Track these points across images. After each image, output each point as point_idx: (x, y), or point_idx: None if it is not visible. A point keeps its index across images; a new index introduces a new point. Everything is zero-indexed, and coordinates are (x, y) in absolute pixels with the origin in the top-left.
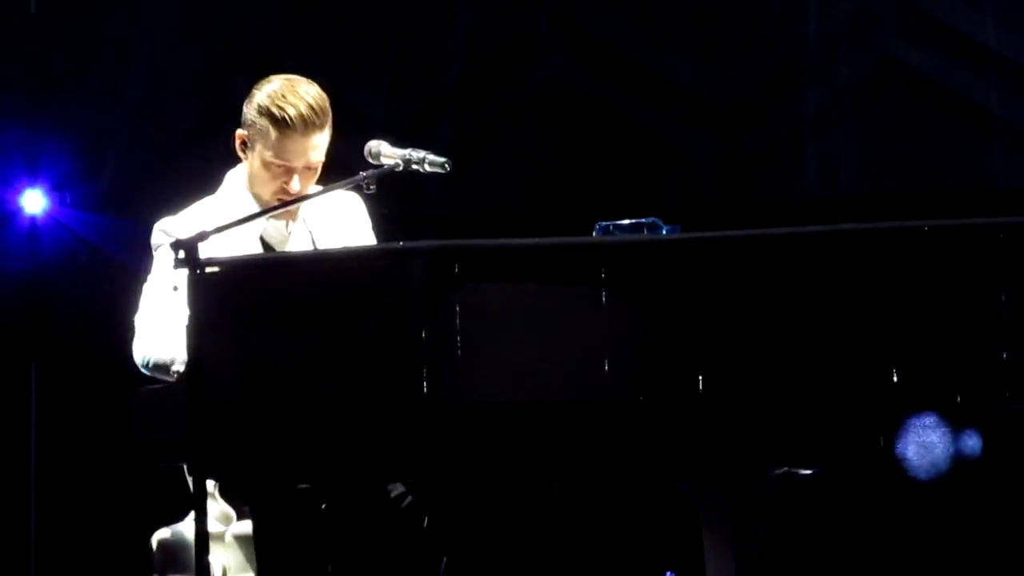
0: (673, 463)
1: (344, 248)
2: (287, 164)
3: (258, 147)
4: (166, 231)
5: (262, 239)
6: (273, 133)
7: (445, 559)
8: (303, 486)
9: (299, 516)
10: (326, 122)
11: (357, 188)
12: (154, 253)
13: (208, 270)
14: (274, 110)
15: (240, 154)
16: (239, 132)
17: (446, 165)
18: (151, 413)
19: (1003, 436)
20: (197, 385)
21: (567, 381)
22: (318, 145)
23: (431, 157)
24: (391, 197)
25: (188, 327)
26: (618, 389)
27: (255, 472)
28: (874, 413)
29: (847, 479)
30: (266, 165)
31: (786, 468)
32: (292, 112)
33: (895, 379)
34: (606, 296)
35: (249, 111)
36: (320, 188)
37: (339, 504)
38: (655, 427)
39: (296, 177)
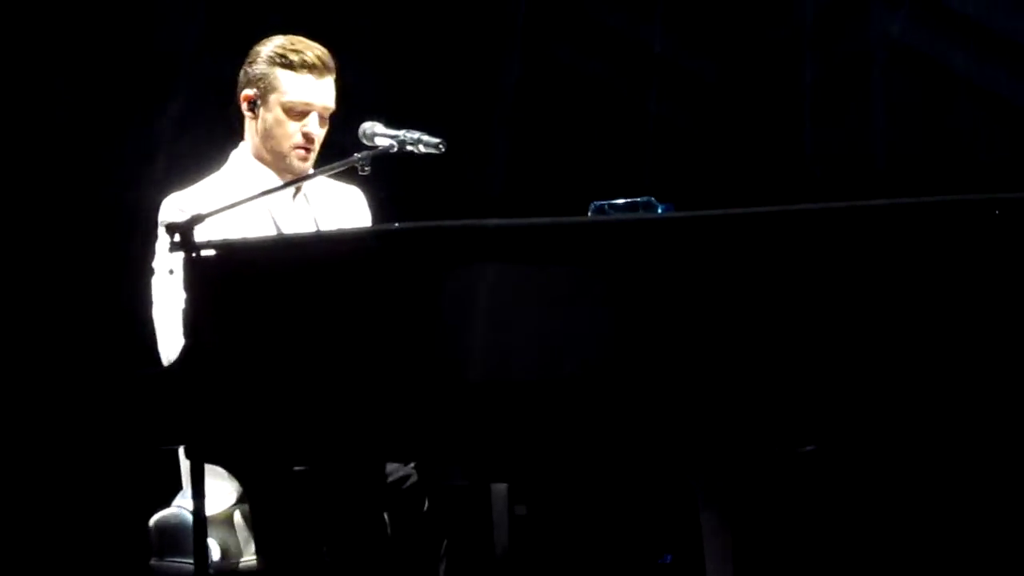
0: (671, 446)
1: (341, 229)
2: (308, 104)
3: (272, 98)
4: (176, 206)
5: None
6: (290, 76)
7: (446, 542)
8: (299, 468)
9: (296, 498)
10: (335, 70)
11: (352, 170)
12: (159, 230)
13: (204, 253)
14: (290, 55)
15: (248, 115)
16: (245, 93)
17: (440, 146)
18: (149, 396)
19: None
20: (193, 368)
21: (564, 361)
22: (332, 90)
23: (426, 138)
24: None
25: (184, 310)
26: (614, 369)
27: (251, 454)
28: (870, 390)
29: (844, 460)
30: (286, 110)
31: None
32: (309, 55)
33: (890, 358)
34: (602, 276)
35: (255, 67)
36: (315, 171)
37: (336, 486)
38: (652, 409)
39: (316, 119)
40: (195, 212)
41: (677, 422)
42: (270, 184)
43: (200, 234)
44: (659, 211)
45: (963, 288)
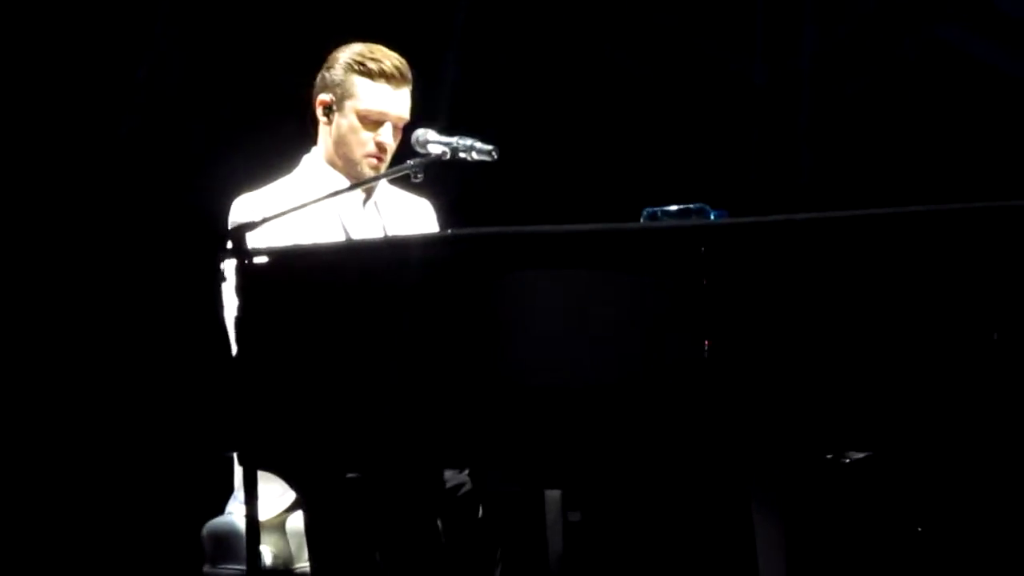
0: (726, 450)
1: (394, 236)
2: (383, 114)
3: (348, 104)
4: (247, 207)
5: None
6: (368, 84)
7: (500, 549)
8: (353, 475)
9: (349, 504)
10: (411, 81)
11: (405, 177)
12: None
13: (256, 260)
14: (368, 63)
15: (323, 119)
16: (320, 98)
17: (493, 153)
18: (205, 402)
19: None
20: (246, 375)
21: (619, 366)
22: (408, 101)
23: (479, 145)
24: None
25: (236, 317)
26: (669, 375)
27: (305, 461)
28: (924, 398)
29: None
30: (361, 118)
31: (835, 453)
32: (387, 64)
33: (942, 363)
34: (654, 281)
35: (333, 73)
36: (369, 177)
37: (390, 492)
38: (708, 413)
39: (390, 129)
40: (265, 214)
41: (732, 426)
42: (344, 187)
43: (255, 240)
44: (711, 217)
45: (996, 296)
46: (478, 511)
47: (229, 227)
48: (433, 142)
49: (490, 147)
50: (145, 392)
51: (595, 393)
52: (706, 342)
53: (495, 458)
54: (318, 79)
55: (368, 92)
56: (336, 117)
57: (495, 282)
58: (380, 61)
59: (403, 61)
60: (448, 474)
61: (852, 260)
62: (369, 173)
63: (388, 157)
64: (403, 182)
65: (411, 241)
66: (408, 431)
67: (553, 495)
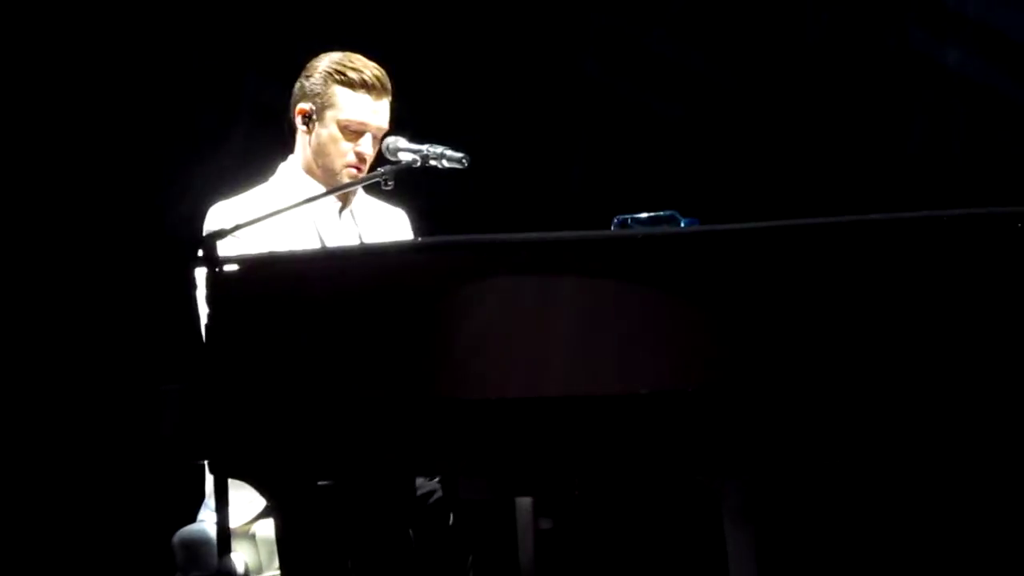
0: (695, 456)
1: (362, 244)
2: (364, 124)
3: (328, 114)
4: (222, 215)
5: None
6: (348, 94)
7: (471, 557)
8: (324, 483)
9: (320, 513)
10: (391, 92)
11: (376, 185)
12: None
13: (226, 268)
14: (349, 73)
15: (301, 128)
16: (300, 107)
17: (463, 161)
18: (175, 410)
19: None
20: (216, 382)
21: (589, 375)
22: (387, 111)
23: (449, 153)
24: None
25: (206, 325)
26: (639, 382)
27: (276, 469)
28: (899, 410)
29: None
30: (341, 128)
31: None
32: (367, 73)
33: (916, 377)
34: (625, 290)
35: (311, 82)
36: (341, 185)
37: (361, 501)
38: (676, 420)
39: (370, 139)
40: (240, 221)
41: (703, 434)
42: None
43: (228, 248)
44: (682, 224)
45: (987, 301)
46: (449, 519)
47: (203, 234)
48: (404, 149)
49: (460, 155)
50: (117, 399)
51: (566, 401)
52: (676, 352)
53: (466, 466)
54: (296, 88)
55: (349, 102)
56: (316, 126)
57: (466, 290)
58: (360, 71)
59: (383, 71)
60: (419, 481)
61: (829, 267)
62: (346, 179)
63: (366, 167)
64: (375, 190)
65: (381, 249)
66: (379, 439)
67: (524, 502)
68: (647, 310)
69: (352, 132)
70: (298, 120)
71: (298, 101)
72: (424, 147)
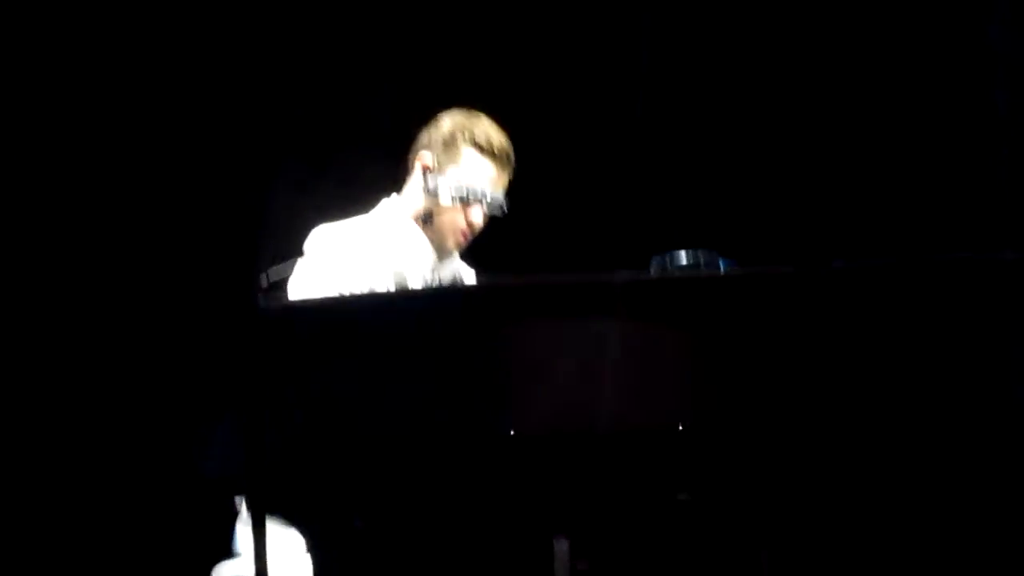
0: (734, 498)
1: (404, 290)
2: (485, 194)
3: (454, 169)
4: (326, 238)
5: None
6: (477, 158)
7: None
8: (361, 523)
9: (357, 552)
10: (514, 167)
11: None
12: (305, 260)
13: (276, 309)
14: (480, 139)
15: (413, 173)
16: (423, 154)
17: (503, 208)
18: (220, 445)
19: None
20: (257, 420)
21: (623, 414)
22: (505, 186)
23: (488, 197)
24: None
25: (249, 364)
26: (674, 421)
27: (316, 508)
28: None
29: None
30: (465, 194)
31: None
32: (499, 143)
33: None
34: (660, 330)
35: (441, 134)
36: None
37: (396, 539)
38: (714, 461)
39: (482, 213)
40: (343, 249)
41: (742, 477)
42: (422, 249)
43: (295, 282)
44: (721, 265)
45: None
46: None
47: (304, 254)
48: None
49: (500, 202)
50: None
51: (603, 441)
52: (713, 391)
53: (502, 506)
54: (423, 135)
55: (474, 166)
56: (433, 180)
57: (505, 332)
58: (492, 138)
59: (511, 144)
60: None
61: (855, 311)
62: (451, 247)
63: (471, 238)
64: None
65: (426, 293)
66: (418, 479)
67: (561, 544)
68: (686, 351)
69: (471, 199)
70: (417, 167)
71: (422, 148)
72: (465, 189)
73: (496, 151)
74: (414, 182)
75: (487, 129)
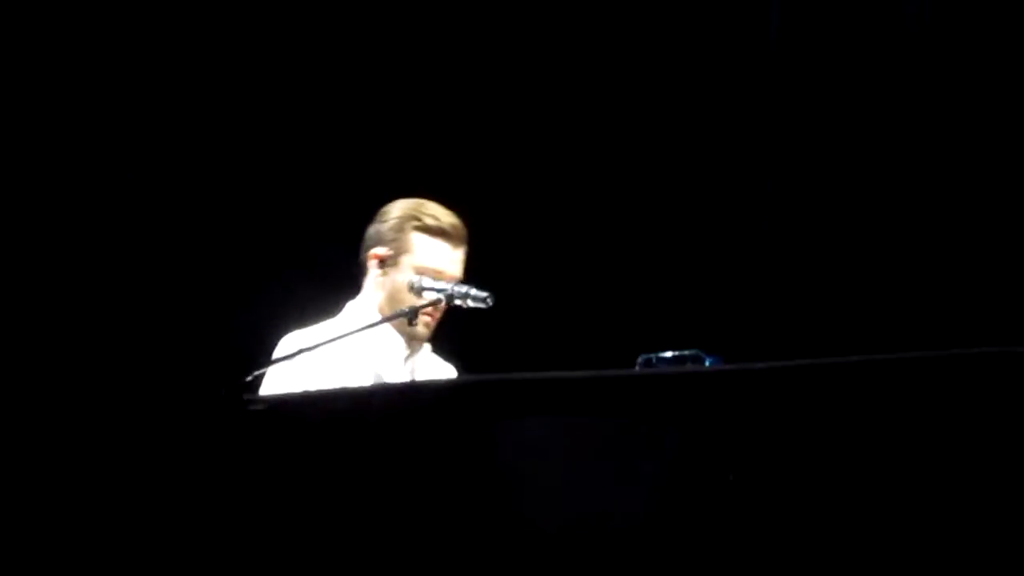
0: None
1: (388, 384)
2: (441, 273)
3: (404, 260)
4: (295, 344)
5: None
6: (428, 241)
7: None
8: None
9: None
10: (467, 241)
11: (409, 322)
12: (272, 366)
13: (251, 408)
14: (427, 220)
15: (376, 272)
16: (375, 251)
17: (488, 300)
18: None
19: None
20: (237, 519)
21: (622, 513)
22: (462, 259)
23: (474, 292)
24: None
25: (234, 463)
26: (663, 520)
27: None
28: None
29: None
30: (418, 274)
31: None
32: (447, 221)
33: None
34: (647, 427)
35: (388, 227)
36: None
37: None
38: (712, 556)
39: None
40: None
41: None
42: (392, 340)
43: (283, 377)
44: (707, 364)
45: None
46: None
47: (272, 358)
48: (428, 288)
49: (485, 294)
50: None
51: (597, 540)
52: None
53: None
54: (371, 231)
55: (427, 249)
56: (391, 272)
57: (495, 429)
58: (439, 219)
59: (460, 220)
60: None
61: (849, 406)
62: (422, 332)
63: (439, 317)
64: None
65: (408, 389)
66: None
67: None
68: (678, 448)
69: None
70: (372, 264)
71: (373, 245)
72: (449, 286)
73: (446, 230)
74: (371, 279)
75: (433, 211)
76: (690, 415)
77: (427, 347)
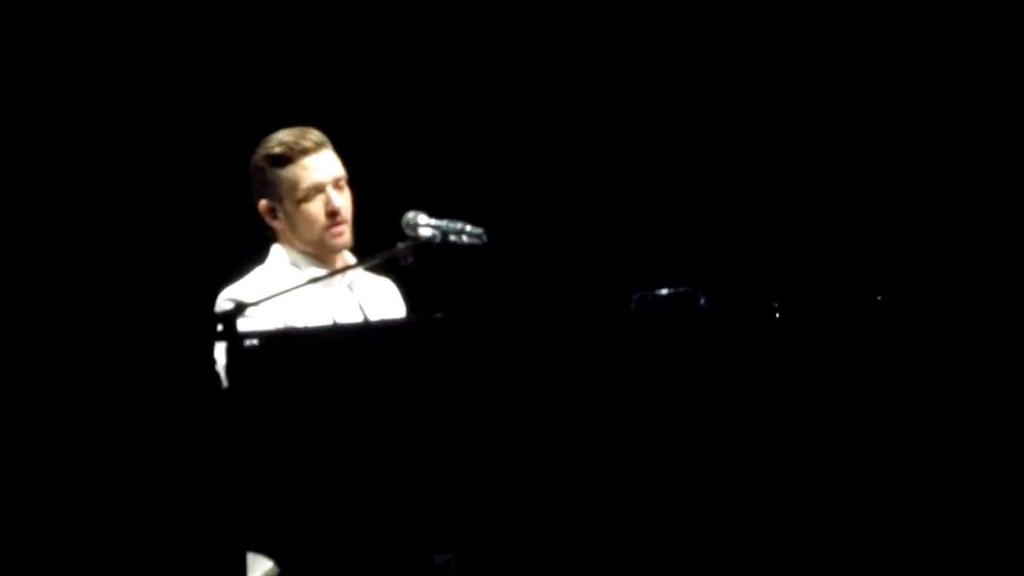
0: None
1: (385, 320)
2: (319, 184)
3: (282, 193)
4: (233, 298)
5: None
6: (291, 169)
7: None
8: (342, 557)
9: None
10: (328, 142)
11: (394, 261)
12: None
13: (247, 343)
14: (282, 151)
15: (273, 224)
16: (262, 204)
17: (483, 236)
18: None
19: None
20: (234, 454)
21: (608, 450)
22: (334, 159)
23: (469, 228)
24: None
25: (225, 399)
26: (656, 461)
27: (293, 543)
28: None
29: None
30: (301, 201)
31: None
32: (299, 143)
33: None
34: (640, 366)
35: (258, 177)
36: (357, 261)
37: (378, 574)
38: (698, 498)
39: (333, 193)
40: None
41: (728, 514)
42: (318, 273)
43: (245, 325)
44: (701, 302)
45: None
46: None
47: (222, 311)
48: (423, 225)
49: (480, 230)
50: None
51: (581, 479)
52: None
53: (483, 542)
54: (251, 190)
55: (295, 176)
56: (282, 215)
57: (483, 366)
58: (287, 143)
59: (312, 131)
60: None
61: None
62: (338, 242)
63: (348, 217)
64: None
65: (401, 324)
66: (398, 514)
67: None
68: (670, 385)
69: (314, 197)
70: (267, 218)
71: (257, 200)
72: (444, 223)
73: (298, 148)
74: (278, 227)
75: (278, 140)
76: (685, 353)
77: (359, 270)
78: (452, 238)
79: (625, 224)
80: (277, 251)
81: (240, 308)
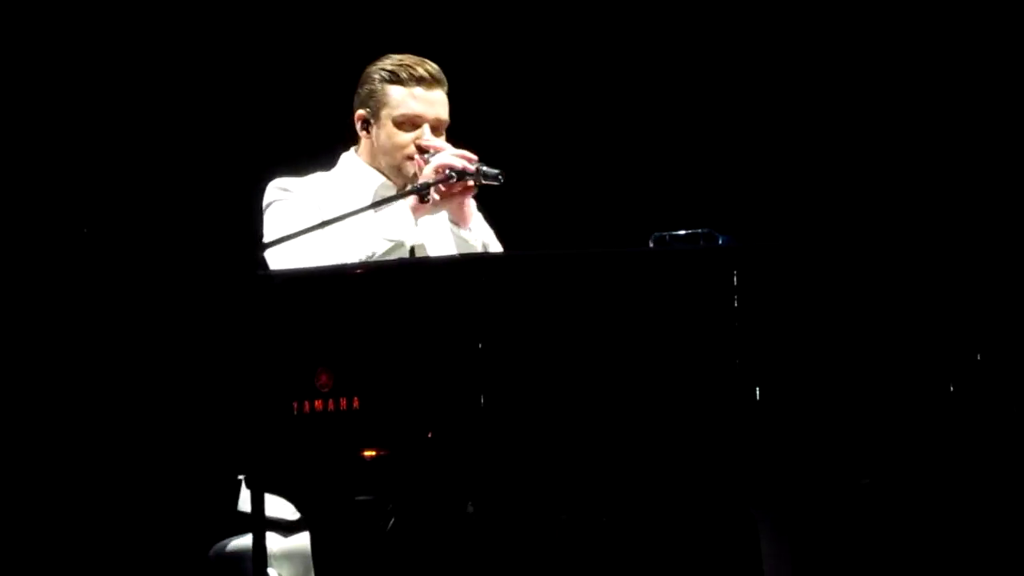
0: (732, 477)
1: (404, 259)
2: (420, 116)
3: (383, 114)
4: (284, 187)
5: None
6: (399, 90)
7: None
8: (363, 498)
9: (357, 528)
10: (446, 83)
11: (420, 196)
12: (264, 213)
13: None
14: (398, 71)
15: (362, 134)
16: (358, 113)
17: (500, 177)
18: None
19: None
20: (254, 397)
21: (628, 385)
22: (443, 101)
23: (485, 169)
24: None
25: (244, 335)
26: (677, 400)
27: (312, 485)
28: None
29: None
30: (397, 124)
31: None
32: (417, 69)
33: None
34: (663, 305)
35: (366, 87)
36: (376, 202)
37: (406, 518)
38: (712, 440)
39: (428, 131)
40: (298, 202)
41: (742, 453)
42: (381, 188)
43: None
44: (719, 242)
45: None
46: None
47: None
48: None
49: (497, 171)
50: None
51: (602, 416)
52: (714, 369)
53: (506, 487)
54: (354, 97)
55: (401, 98)
56: (374, 129)
57: (506, 305)
58: (410, 67)
59: (435, 66)
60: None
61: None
62: (413, 170)
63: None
64: None
65: (428, 263)
66: (423, 455)
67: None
68: (690, 324)
69: (409, 126)
70: (358, 126)
71: (356, 108)
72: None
73: (416, 75)
74: (363, 141)
75: (404, 61)
76: (704, 293)
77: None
78: (469, 178)
79: (642, 164)
80: (347, 161)
81: (265, 245)
